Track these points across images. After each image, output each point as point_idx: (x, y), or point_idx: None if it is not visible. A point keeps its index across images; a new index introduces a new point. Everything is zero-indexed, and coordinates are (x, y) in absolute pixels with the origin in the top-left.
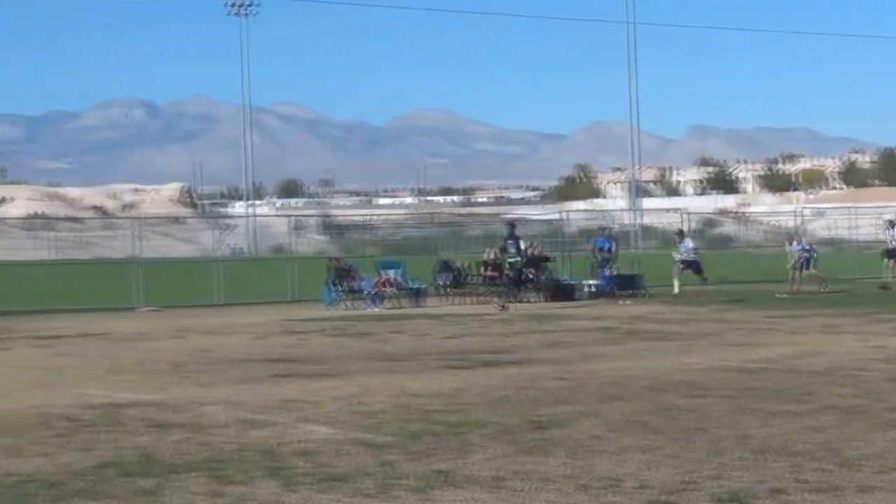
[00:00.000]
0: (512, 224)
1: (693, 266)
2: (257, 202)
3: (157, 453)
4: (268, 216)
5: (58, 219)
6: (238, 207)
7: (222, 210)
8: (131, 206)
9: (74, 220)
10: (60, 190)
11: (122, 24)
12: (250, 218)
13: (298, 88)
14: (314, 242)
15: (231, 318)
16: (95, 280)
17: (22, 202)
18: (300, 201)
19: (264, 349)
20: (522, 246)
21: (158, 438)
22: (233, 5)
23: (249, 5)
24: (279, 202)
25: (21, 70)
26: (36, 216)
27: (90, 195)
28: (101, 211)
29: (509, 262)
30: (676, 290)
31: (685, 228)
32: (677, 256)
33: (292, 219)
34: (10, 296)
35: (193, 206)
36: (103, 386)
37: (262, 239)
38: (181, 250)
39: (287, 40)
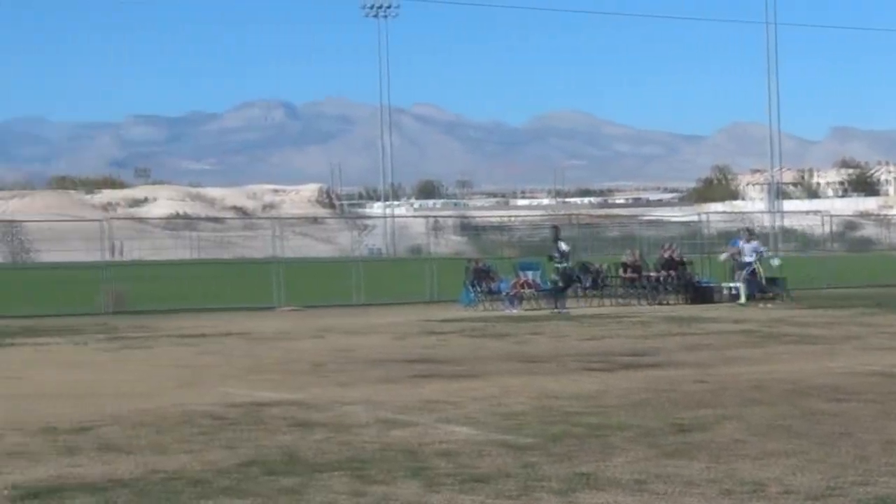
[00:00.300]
0: (556, 227)
1: (747, 269)
2: (395, 203)
3: (300, 452)
4: (406, 217)
5: (199, 219)
6: (376, 208)
7: (360, 211)
8: (271, 206)
9: (215, 220)
10: (202, 190)
11: (260, 27)
12: (388, 219)
13: (436, 89)
14: (452, 243)
15: (370, 319)
16: (236, 280)
17: (164, 202)
18: (438, 202)
19: (404, 349)
20: (564, 248)
21: (301, 437)
22: (370, 7)
23: (388, 7)
24: (417, 203)
25: (163, 72)
26: (178, 216)
27: (231, 195)
28: (242, 211)
29: (556, 267)
30: (743, 299)
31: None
32: (748, 259)
33: (430, 220)
34: (153, 295)
35: (332, 206)
36: (245, 385)
37: (400, 240)
38: (320, 250)
39: (425, 41)
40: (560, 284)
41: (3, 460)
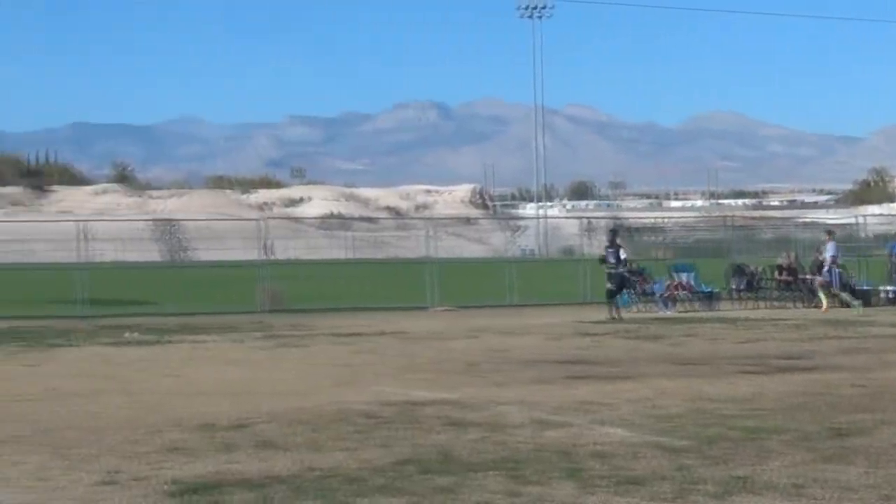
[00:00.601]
0: (614, 231)
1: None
2: (548, 204)
3: (455, 451)
4: (558, 218)
5: (353, 219)
6: (529, 209)
7: (513, 212)
8: (424, 206)
9: (369, 220)
10: (356, 190)
11: (415, 28)
12: (541, 219)
13: (589, 90)
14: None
15: (523, 319)
16: (390, 279)
17: (319, 202)
18: (590, 203)
19: (558, 350)
20: (623, 255)
21: (455, 437)
22: (525, 8)
23: (542, 7)
24: (569, 204)
25: (319, 73)
26: (332, 216)
27: (384, 196)
28: (395, 211)
29: (608, 273)
30: (824, 305)
31: None
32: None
33: (583, 221)
34: (308, 294)
35: (485, 207)
36: (400, 383)
37: (553, 240)
38: (473, 251)
39: (579, 42)
40: (613, 289)
41: (162, 456)
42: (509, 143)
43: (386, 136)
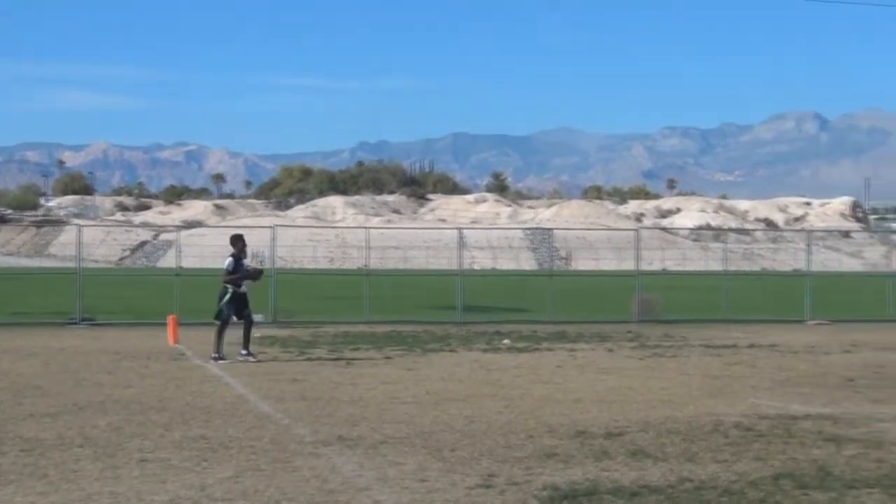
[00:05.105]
0: (240, 238)
1: None
2: None
3: (832, 467)
4: None
5: (726, 230)
6: None
7: (892, 226)
8: (798, 219)
9: (743, 231)
10: (729, 202)
11: (792, 39)
12: None
13: None
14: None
15: None
16: (763, 292)
17: (692, 213)
18: None
19: None
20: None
21: (833, 452)
22: None
23: None
24: None
25: (697, 84)
26: (705, 227)
27: (759, 207)
28: (769, 223)
29: (229, 293)
30: None
31: None
32: None
33: None
34: (681, 305)
35: (862, 220)
36: (774, 396)
37: None
38: (847, 265)
39: None
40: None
41: (537, 461)
42: (890, 155)
43: (762, 148)
